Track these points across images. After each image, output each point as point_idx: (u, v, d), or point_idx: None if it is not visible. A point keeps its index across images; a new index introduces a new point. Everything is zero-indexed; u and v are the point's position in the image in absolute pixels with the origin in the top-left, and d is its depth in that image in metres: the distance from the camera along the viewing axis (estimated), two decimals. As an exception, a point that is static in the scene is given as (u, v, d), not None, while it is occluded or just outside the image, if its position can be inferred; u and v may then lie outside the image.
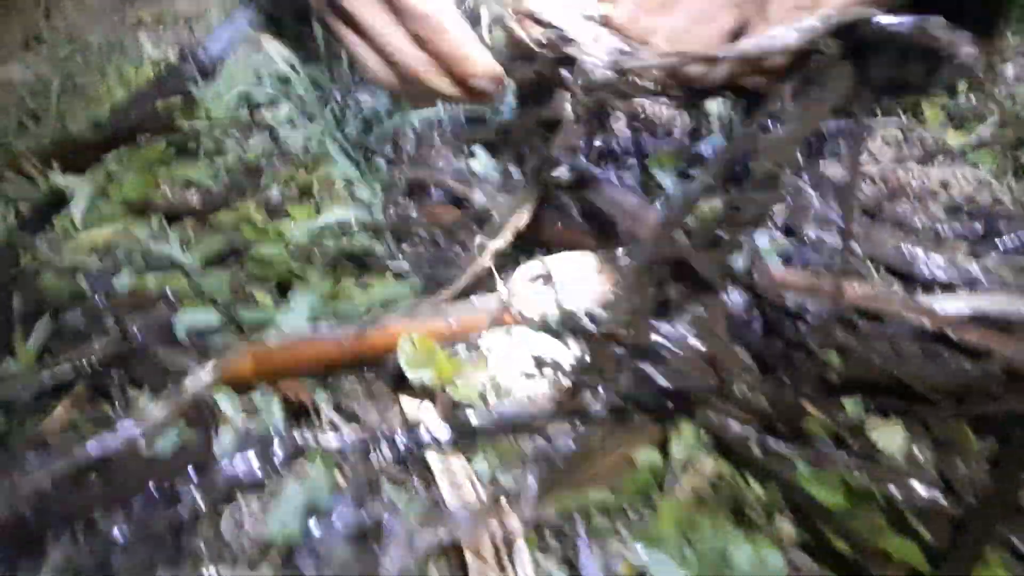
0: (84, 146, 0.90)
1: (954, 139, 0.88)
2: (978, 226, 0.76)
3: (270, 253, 0.71)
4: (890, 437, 0.54)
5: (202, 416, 0.58)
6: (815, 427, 0.53)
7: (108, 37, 1.21)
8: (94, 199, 0.84)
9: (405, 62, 0.61)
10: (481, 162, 0.81)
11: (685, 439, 0.54)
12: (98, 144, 0.91)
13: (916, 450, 0.54)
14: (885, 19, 0.50)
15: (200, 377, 0.59)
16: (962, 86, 0.91)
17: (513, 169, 0.80)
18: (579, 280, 0.62)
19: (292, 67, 0.91)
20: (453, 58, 0.59)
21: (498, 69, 0.59)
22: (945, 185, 0.83)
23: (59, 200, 0.85)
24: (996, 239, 0.73)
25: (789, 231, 0.75)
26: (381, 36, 0.60)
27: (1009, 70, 1.02)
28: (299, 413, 0.58)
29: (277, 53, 0.92)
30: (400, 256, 0.72)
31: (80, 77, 1.12)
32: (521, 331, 0.62)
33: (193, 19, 1.25)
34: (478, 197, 0.75)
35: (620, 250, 0.64)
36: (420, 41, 0.59)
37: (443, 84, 0.62)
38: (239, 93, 0.92)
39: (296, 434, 0.56)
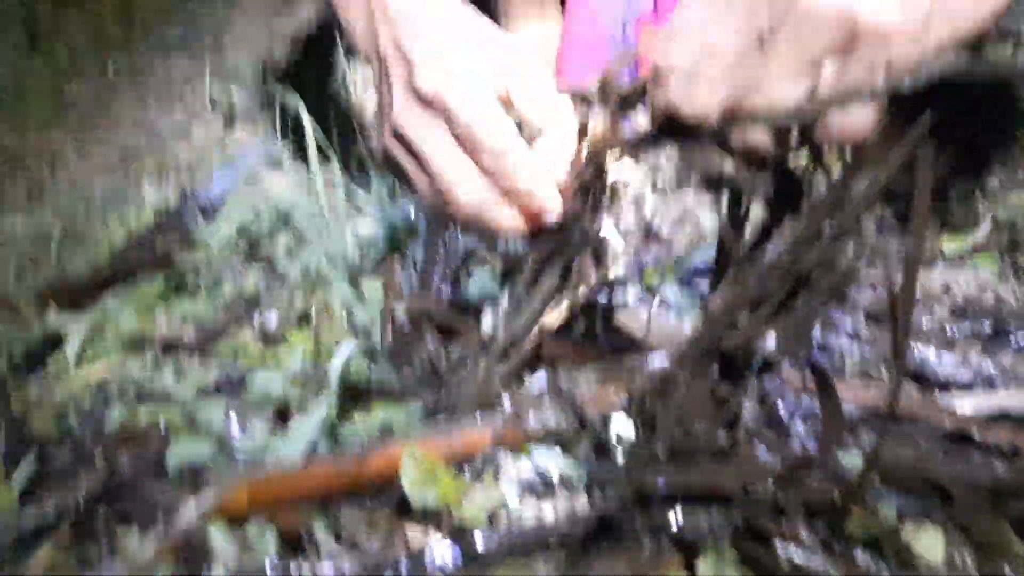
0: (81, 287, 0.90)
1: (949, 244, 0.88)
2: (987, 326, 0.75)
3: (267, 381, 0.70)
4: (928, 542, 0.51)
5: (193, 553, 0.55)
6: (855, 528, 0.50)
7: (111, 188, 1.24)
8: (89, 338, 0.83)
9: (467, 196, 0.56)
10: (482, 285, 0.80)
11: (713, 560, 0.51)
12: (95, 284, 0.91)
13: (956, 556, 0.51)
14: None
15: (191, 511, 0.56)
16: (951, 193, 0.92)
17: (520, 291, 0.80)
18: (587, 391, 0.61)
19: (293, 202, 0.93)
20: (523, 195, 0.55)
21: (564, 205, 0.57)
22: (947, 288, 0.83)
23: (54, 341, 0.84)
24: (1007, 337, 0.72)
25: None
26: (444, 167, 0.55)
27: (994, 180, 1.04)
28: (296, 544, 0.55)
29: (278, 187, 0.94)
30: (401, 381, 0.70)
31: (81, 226, 1.14)
32: (531, 447, 0.59)
33: (196, 166, 1.29)
34: (485, 323, 0.74)
35: (635, 362, 0.62)
36: (489, 175, 0.55)
37: (504, 219, 0.57)
38: (238, 228, 0.93)
39: (293, 566, 0.52)
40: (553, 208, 0.56)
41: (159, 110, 1.57)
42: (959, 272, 0.84)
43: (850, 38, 0.41)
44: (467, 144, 0.54)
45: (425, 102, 0.53)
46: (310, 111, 1.29)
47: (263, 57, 1.73)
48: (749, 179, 0.50)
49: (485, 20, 0.59)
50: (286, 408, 0.69)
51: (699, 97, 0.44)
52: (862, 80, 0.42)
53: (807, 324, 0.50)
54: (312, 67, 1.61)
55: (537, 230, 0.58)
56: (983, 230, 0.88)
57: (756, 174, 0.49)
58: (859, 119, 0.44)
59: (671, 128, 0.50)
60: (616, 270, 0.63)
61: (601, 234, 0.61)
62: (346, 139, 1.26)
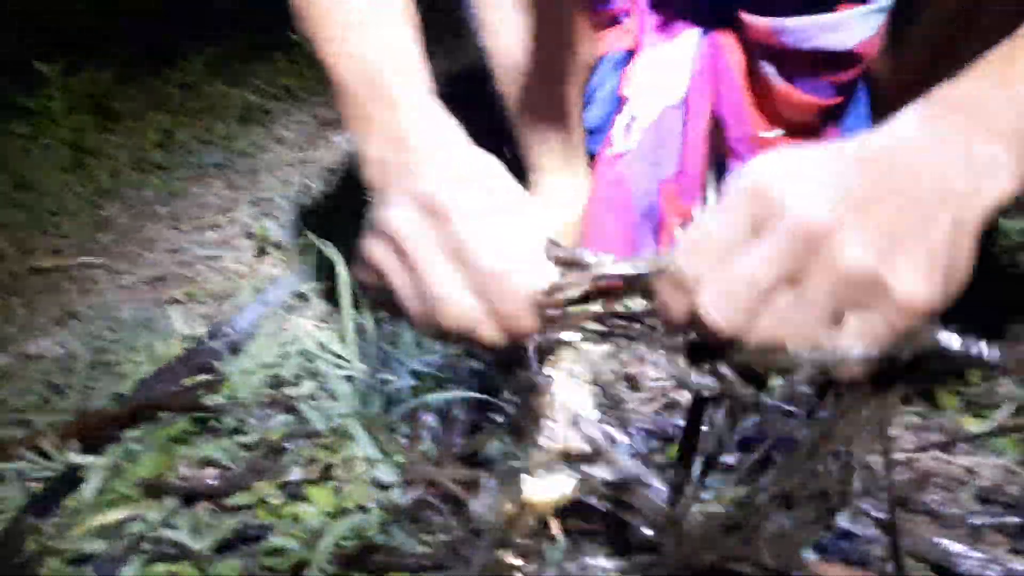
0: (104, 421, 0.91)
1: (972, 425, 0.88)
2: (1014, 519, 0.74)
3: (284, 542, 0.69)
4: None
5: None
6: None
7: (140, 314, 1.26)
8: (108, 478, 0.83)
9: (455, 310, 0.57)
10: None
11: None
12: (119, 419, 0.91)
13: None
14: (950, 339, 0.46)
15: None
16: (975, 372, 0.93)
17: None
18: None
19: (320, 344, 0.95)
20: (512, 316, 0.56)
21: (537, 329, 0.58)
22: (971, 472, 0.82)
23: (73, 479, 0.84)
24: (1035, 533, 0.71)
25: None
26: (435, 280, 0.56)
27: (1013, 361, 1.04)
28: None
29: (304, 333, 0.95)
30: (419, 549, 0.70)
31: (108, 353, 1.15)
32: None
33: (224, 297, 1.31)
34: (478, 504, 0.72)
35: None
36: (480, 294, 0.56)
37: (492, 336, 0.57)
38: (264, 370, 0.94)
39: None
40: (530, 327, 0.57)
41: (192, 236, 1.61)
42: (983, 455, 0.83)
43: (879, 303, 0.43)
44: (460, 257, 0.55)
45: (427, 207, 0.56)
46: (344, 245, 1.32)
47: (296, 186, 1.79)
48: (746, 394, 0.51)
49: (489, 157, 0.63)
50: (301, 571, 0.68)
51: (729, 315, 0.45)
52: (879, 336, 0.44)
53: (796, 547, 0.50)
54: (347, 196, 1.66)
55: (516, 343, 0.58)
56: (1006, 410, 0.88)
57: (752, 391, 0.51)
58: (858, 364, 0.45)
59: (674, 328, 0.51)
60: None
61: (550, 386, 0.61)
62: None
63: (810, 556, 0.66)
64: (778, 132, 1.06)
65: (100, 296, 1.37)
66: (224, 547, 0.72)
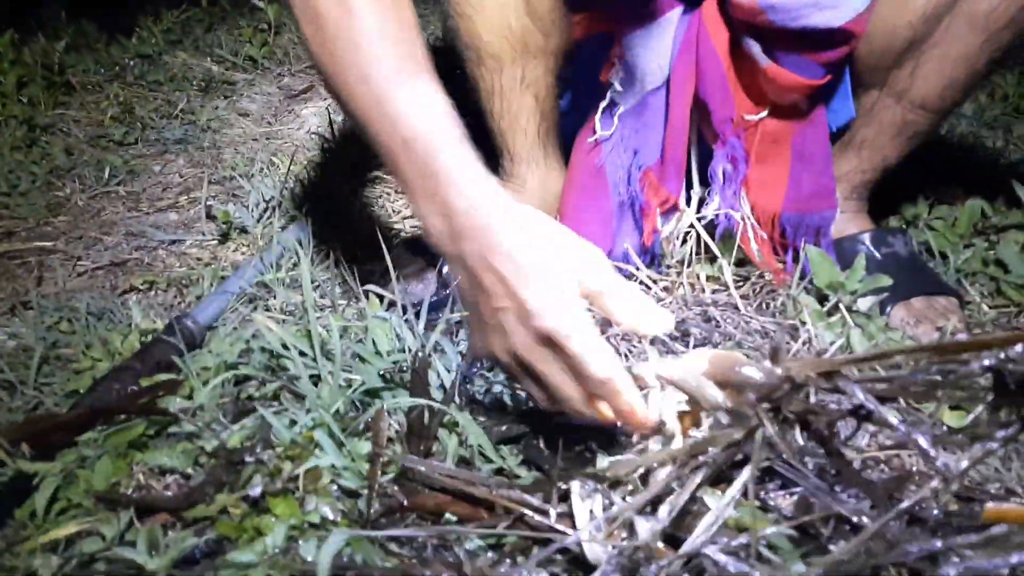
0: (58, 425, 0.86)
1: (951, 419, 0.87)
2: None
3: (246, 559, 0.66)
4: None
5: None
6: None
7: (97, 303, 1.21)
8: (61, 487, 0.79)
9: (579, 408, 0.68)
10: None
11: None
12: (73, 423, 0.87)
13: None
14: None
15: None
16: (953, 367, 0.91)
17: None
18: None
19: (283, 343, 0.91)
20: (624, 413, 0.65)
21: (655, 422, 0.65)
22: (948, 468, 0.81)
23: (25, 487, 0.80)
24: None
25: None
26: (560, 391, 0.68)
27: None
28: None
29: (267, 329, 0.91)
30: (386, 561, 0.67)
31: (64, 346, 1.11)
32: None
33: (185, 285, 1.27)
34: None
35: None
36: (595, 396, 0.66)
37: (608, 418, 0.67)
38: (225, 369, 0.90)
39: None
40: (646, 421, 0.64)
41: (153, 218, 1.56)
42: (962, 452, 0.82)
43: None
44: (576, 371, 0.64)
45: (542, 338, 0.64)
46: (309, 227, 1.28)
47: (261, 163, 1.74)
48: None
49: (548, 219, 0.67)
50: (265, 589, 0.65)
51: None
52: None
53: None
54: (313, 175, 1.62)
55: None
56: (982, 407, 0.87)
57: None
58: None
59: None
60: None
61: None
62: (356, 261, 1.25)
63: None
64: (763, 114, 1.02)
65: (55, 284, 1.31)
66: (183, 563, 0.68)
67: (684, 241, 1.02)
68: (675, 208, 1.04)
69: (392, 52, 0.70)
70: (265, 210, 1.43)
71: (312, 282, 1.17)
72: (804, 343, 0.91)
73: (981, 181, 1.34)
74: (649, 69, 0.99)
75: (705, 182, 1.05)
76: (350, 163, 1.63)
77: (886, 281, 0.97)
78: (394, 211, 1.47)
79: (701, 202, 1.03)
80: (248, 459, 0.75)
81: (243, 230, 1.40)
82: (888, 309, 1.02)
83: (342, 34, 0.70)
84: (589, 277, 0.64)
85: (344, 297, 1.12)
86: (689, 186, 1.07)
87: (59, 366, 1.08)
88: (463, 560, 0.67)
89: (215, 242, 1.41)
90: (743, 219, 1.03)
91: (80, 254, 1.42)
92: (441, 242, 0.69)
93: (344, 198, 1.49)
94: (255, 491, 0.70)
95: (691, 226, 1.04)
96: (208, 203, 1.55)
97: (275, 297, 1.13)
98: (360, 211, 1.45)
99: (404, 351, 0.89)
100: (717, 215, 1.03)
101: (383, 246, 1.19)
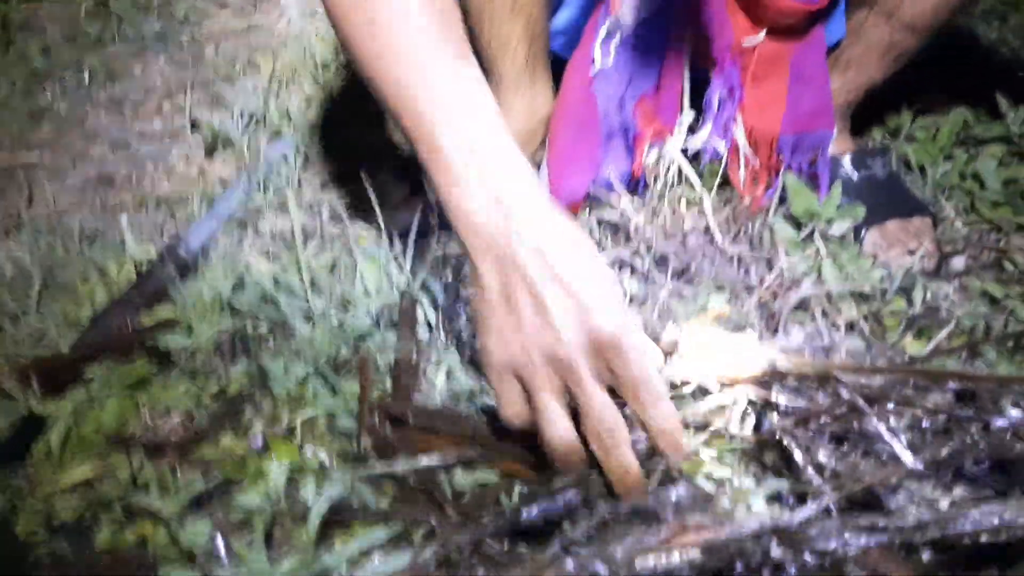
0: (65, 364, 0.91)
1: (913, 348, 0.91)
2: (945, 450, 0.78)
3: (252, 502, 0.72)
4: None
5: None
6: None
7: (90, 224, 1.23)
8: (73, 426, 0.84)
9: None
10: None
11: None
12: (80, 361, 0.91)
13: None
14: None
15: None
16: (919, 294, 0.95)
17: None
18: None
19: (275, 280, 0.94)
20: (669, 432, 0.65)
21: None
22: (908, 401, 0.86)
23: (38, 424, 0.85)
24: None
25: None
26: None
27: (958, 262, 1.07)
28: None
29: (257, 265, 0.94)
30: (383, 497, 0.73)
31: (61, 271, 1.13)
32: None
33: (175, 203, 1.28)
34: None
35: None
36: (646, 416, 0.65)
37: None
38: (219, 305, 0.94)
39: None
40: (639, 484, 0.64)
41: (137, 125, 1.54)
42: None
43: None
44: (631, 387, 0.62)
45: (597, 343, 0.60)
46: (301, 134, 1.28)
47: (243, 61, 1.71)
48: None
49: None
50: (271, 529, 0.72)
51: None
52: None
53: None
54: (296, 75, 1.60)
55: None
56: (945, 332, 0.91)
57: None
58: None
59: None
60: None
61: None
62: (343, 180, 1.26)
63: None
64: (760, 36, 1.01)
65: (46, 204, 1.32)
66: (193, 504, 0.74)
67: (668, 168, 1.04)
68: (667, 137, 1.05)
69: (437, 31, 0.66)
70: (250, 122, 1.42)
71: (300, 207, 1.19)
72: (776, 277, 0.95)
73: (970, 83, 1.33)
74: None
75: (699, 109, 1.05)
76: (333, 63, 1.61)
77: (860, 211, 0.99)
78: (376, 119, 1.46)
79: (692, 130, 1.04)
80: (247, 406, 0.80)
81: (228, 143, 1.40)
82: (863, 233, 1.05)
83: (383, 6, 0.66)
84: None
85: (333, 222, 1.14)
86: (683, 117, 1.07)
87: (58, 293, 1.11)
88: (448, 498, 0.73)
89: (201, 154, 1.41)
90: (732, 146, 1.04)
91: (67, 168, 1.42)
92: (485, 229, 0.62)
93: (327, 105, 1.48)
94: (256, 442, 0.75)
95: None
96: (192, 111, 1.53)
97: (265, 220, 1.15)
98: (345, 122, 1.44)
99: (393, 289, 0.92)
100: (705, 143, 1.03)
101: (366, 177, 1.20)
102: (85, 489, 0.78)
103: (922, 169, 1.21)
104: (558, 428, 0.63)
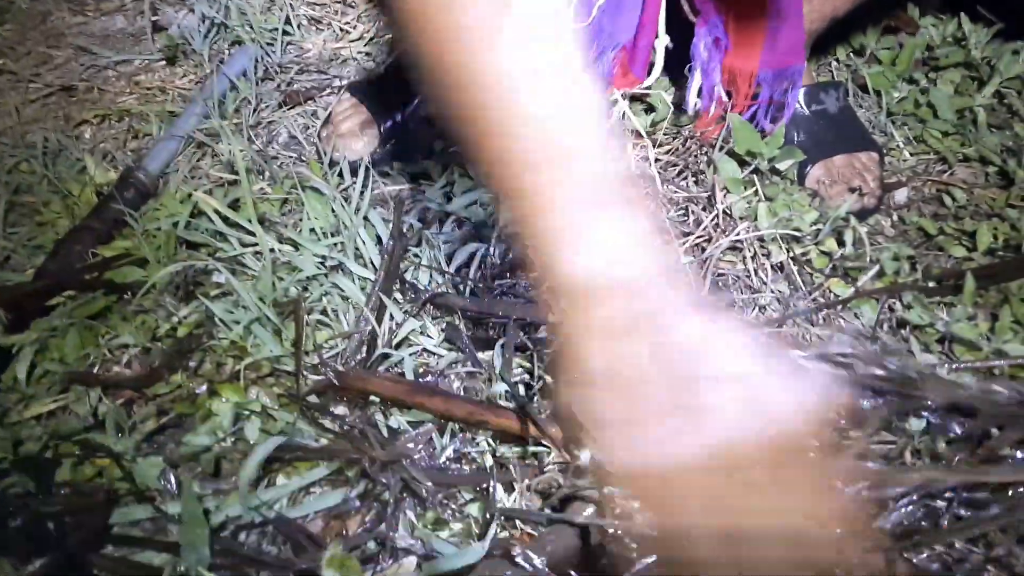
0: (28, 295, 0.95)
1: (837, 288, 0.95)
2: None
3: (202, 441, 0.78)
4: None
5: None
6: None
7: (53, 140, 1.24)
8: (38, 355, 0.90)
9: None
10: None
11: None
12: (42, 291, 0.96)
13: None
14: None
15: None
16: (850, 234, 0.98)
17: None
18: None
19: (225, 219, 0.97)
20: None
21: None
22: (823, 340, 0.91)
23: (5, 355, 0.91)
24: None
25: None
26: None
27: (901, 195, 1.09)
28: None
29: (208, 206, 0.97)
30: (321, 439, 0.79)
31: (26, 194, 1.16)
32: None
33: (135, 117, 1.29)
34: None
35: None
36: None
37: None
38: (175, 244, 0.97)
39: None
40: None
41: (100, 25, 1.52)
42: (840, 321, 0.91)
43: None
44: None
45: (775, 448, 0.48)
46: (260, 44, 1.28)
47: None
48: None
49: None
50: (219, 466, 0.78)
51: None
52: None
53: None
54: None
55: None
56: (870, 274, 0.95)
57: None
58: None
59: None
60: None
61: None
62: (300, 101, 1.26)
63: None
64: None
65: (10, 115, 1.33)
66: (147, 441, 0.81)
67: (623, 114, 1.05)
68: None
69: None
70: (211, 28, 1.41)
71: (256, 127, 1.20)
72: (713, 218, 0.97)
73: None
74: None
75: (678, 61, 1.06)
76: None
77: (799, 155, 1.01)
78: (341, 30, 1.44)
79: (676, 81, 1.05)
80: (197, 346, 0.85)
81: (189, 52, 1.39)
82: (808, 167, 1.07)
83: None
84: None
85: (288, 147, 1.16)
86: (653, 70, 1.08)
87: (23, 215, 1.14)
88: (384, 438, 0.79)
89: (163, 63, 1.40)
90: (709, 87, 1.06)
91: (30, 75, 1.42)
92: (598, 293, 0.48)
93: (288, 13, 1.45)
94: (202, 389, 0.81)
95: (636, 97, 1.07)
96: (155, 10, 1.51)
97: (221, 144, 1.16)
98: (306, 30, 1.42)
99: (338, 230, 0.95)
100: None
101: (324, 97, 1.21)
102: (48, 420, 0.84)
103: (878, 94, 1.21)
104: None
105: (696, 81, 1.05)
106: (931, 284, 0.93)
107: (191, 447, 0.78)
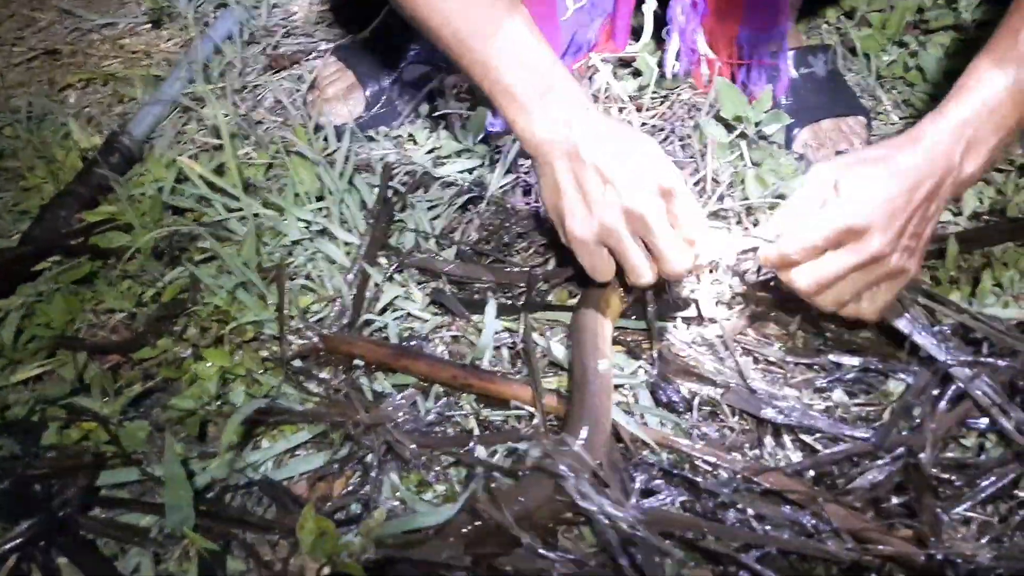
0: (14, 260, 0.95)
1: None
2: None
3: (187, 404, 0.79)
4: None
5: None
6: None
7: (38, 104, 1.23)
8: (25, 319, 0.90)
9: (643, 272, 0.78)
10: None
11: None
12: (28, 256, 0.96)
13: None
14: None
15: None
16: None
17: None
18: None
19: (210, 185, 0.97)
20: (677, 276, 0.80)
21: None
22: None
23: (-9, 318, 0.91)
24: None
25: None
26: (634, 256, 0.77)
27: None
28: None
29: (192, 171, 0.97)
30: (303, 403, 0.80)
31: (11, 159, 1.15)
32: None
33: (120, 81, 1.28)
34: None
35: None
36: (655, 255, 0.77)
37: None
38: (160, 210, 0.97)
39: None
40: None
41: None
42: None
43: (894, 280, 0.76)
44: (648, 236, 0.75)
45: (633, 215, 0.73)
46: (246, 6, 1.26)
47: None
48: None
49: (637, 131, 0.82)
50: (205, 429, 0.79)
51: (810, 286, 0.74)
52: (886, 300, 0.77)
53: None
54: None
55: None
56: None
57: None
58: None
59: None
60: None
61: None
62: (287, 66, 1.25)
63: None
64: None
65: (-3, 78, 1.32)
66: (132, 405, 0.81)
67: (607, 86, 1.05)
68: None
69: None
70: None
71: (241, 91, 1.19)
72: (699, 184, 0.97)
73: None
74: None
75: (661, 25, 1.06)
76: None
77: (785, 117, 1.01)
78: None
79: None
80: (183, 311, 0.85)
81: (174, 15, 1.38)
82: (796, 131, 1.07)
83: None
84: (667, 179, 0.74)
85: (274, 111, 1.15)
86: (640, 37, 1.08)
87: (8, 179, 1.13)
88: (368, 402, 0.80)
89: (148, 26, 1.39)
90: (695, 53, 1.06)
91: (14, 38, 1.40)
92: (554, 140, 0.75)
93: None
94: (187, 353, 0.81)
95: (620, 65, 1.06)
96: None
97: (207, 108, 1.16)
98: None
99: (323, 195, 0.95)
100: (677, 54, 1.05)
101: (309, 62, 1.20)
102: (35, 384, 0.85)
103: (868, 57, 1.20)
104: (645, 266, 0.76)
105: (674, 44, 1.05)
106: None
107: (177, 410, 0.79)
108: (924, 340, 0.79)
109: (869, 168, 0.72)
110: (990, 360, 0.77)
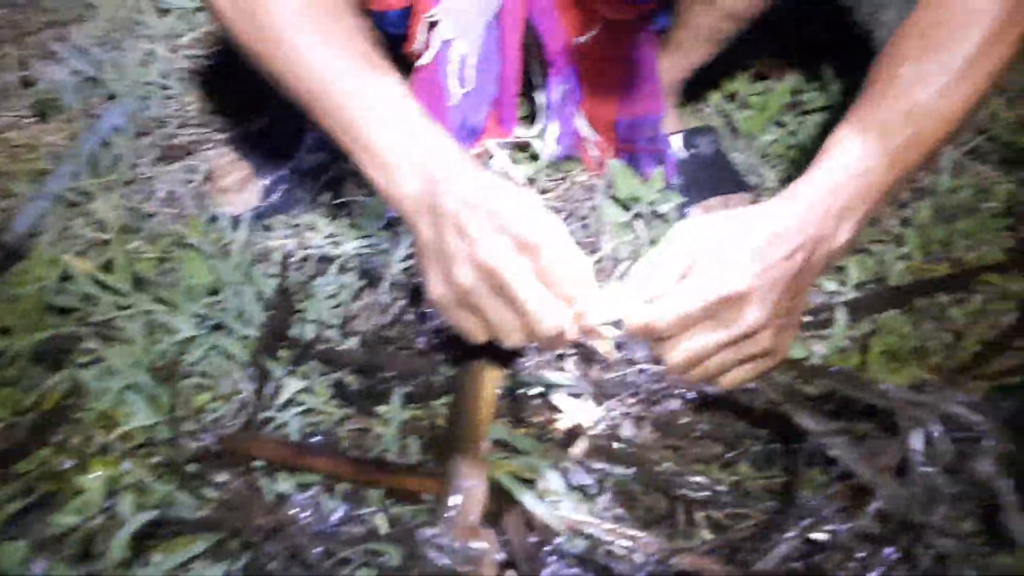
0: None
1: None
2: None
3: (70, 520, 0.73)
4: None
5: None
6: None
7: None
8: None
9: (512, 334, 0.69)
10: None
11: None
12: None
13: None
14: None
15: None
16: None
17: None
18: None
19: (97, 282, 0.93)
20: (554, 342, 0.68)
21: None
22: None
23: None
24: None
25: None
26: (499, 320, 0.68)
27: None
28: None
29: (79, 268, 0.93)
30: (200, 509, 0.76)
31: None
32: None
33: (4, 176, 1.22)
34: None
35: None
36: (523, 318, 0.66)
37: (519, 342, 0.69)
38: (42, 311, 0.92)
39: None
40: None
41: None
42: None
43: (765, 356, 0.69)
44: (507, 292, 0.65)
45: (485, 269, 0.65)
46: (136, 98, 1.24)
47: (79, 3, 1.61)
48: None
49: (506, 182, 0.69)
50: (88, 546, 0.74)
51: (681, 362, 0.67)
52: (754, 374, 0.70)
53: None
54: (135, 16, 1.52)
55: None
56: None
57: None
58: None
59: None
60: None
61: None
62: (178, 156, 1.23)
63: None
64: (591, 33, 1.04)
65: None
66: (11, 523, 0.75)
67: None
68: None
69: (354, 24, 0.72)
70: (83, 83, 1.36)
71: (131, 184, 1.16)
72: (599, 260, 0.99)
73: (805, 45, 1.37)
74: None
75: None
76: (176, 10, 1.54)
77: (678, 196, 1.04)
78: (219, 84, 1.41)
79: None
80: (65, 419, 0.81)
81: (61, 107, 1.34)
82: (686, 209, 1.10)
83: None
84: (531, 232, 0.64)
85: (168, 204, 1.12)
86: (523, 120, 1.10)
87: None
88: (269, 504, 0.76)
89: (33, 119, 1.34)
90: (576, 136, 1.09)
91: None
92: (415, 195, 0.68)
93: (164, 62, 1.41)
94: (68, 464, 0.76)
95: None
96: (23, 65, 1.45)
97: (94, 203, 1.11)
98: (186, 82, 1.38)
99: (219, 289, 0.92)
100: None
101: (203, 153, 1.18)
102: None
103: (751, 137, 1.26)
104: (509, 326, 0.68)
105: (553, 128, 1.09)
106: (806, 319, 0.97)
107: (59, 527, 0.74)
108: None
109: (743, 228, 0.66)
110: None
